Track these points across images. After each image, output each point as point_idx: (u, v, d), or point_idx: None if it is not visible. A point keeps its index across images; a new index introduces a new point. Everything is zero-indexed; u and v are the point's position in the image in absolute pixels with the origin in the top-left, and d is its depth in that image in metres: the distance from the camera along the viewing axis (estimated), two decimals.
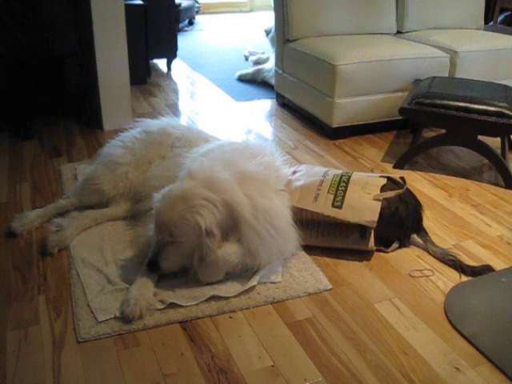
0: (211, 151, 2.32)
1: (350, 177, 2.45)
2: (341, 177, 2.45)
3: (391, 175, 2.52)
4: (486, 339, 1.91)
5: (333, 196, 2.34)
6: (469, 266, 2.30)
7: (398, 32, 4.42)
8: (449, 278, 2.24)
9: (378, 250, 2.39)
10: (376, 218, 2.24)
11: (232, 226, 2.07)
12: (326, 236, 2.34)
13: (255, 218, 2.06)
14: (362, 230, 2.28)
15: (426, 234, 2.47)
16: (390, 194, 2.37)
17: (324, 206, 2.31)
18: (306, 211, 2.32)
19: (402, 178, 2.52)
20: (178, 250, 2.08)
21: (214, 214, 2.02)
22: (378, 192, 2.35)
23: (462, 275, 2.26)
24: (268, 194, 2.17)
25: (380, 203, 2.30)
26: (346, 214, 2.28)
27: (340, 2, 4.15)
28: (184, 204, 2.02)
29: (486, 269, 2.30)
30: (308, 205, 2.33)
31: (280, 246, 2.15)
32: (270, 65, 5.00)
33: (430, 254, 2.41)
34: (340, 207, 2.30)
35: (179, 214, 2.02)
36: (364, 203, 2.30)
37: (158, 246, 2.09)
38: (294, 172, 2.56)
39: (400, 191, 2.40)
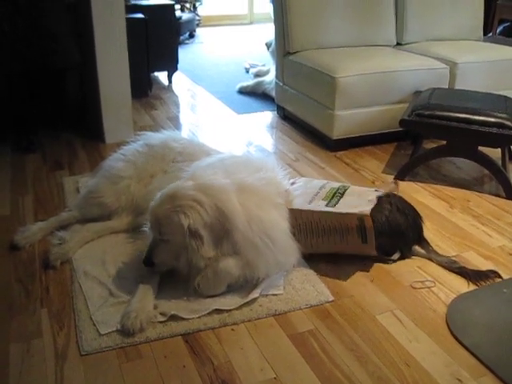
0: (213, 164, 2.33)
1: (345, 190, 2.46)
2: (337, 189, 2.47)
3: (386, 189, 2.54)
4: (489, 350, 1.91)
5: (326, 201, 2.36)
6: (474, 271, 2.33)
7: (398, 44, 4.44)
8: (450, 289, 2.24)
9: (379, 261, 2.40)
10: (369, 211, 2.23)
11: (224, 234, 2.07)
12: (326, 243, 2.34)
13: (249, 227, 2.07)
14: (361, 233, 2.27)
15: (428, 244, 2.48)
16: (383, 192, 2.40)
17: (318, 207, 2.33)
18: (301, 216, 2.32)
19: (394, 182, 2.53)
20: (167, 248, 2.11)
21: (202, 216, 2.03)
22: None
23: (467, 283, 2.28)
24: (265, 207, 2.18)
25: (374, 203, 2.31)
26: (339, 209, 2.29)
27: (340, 14, 4.18)
28: (172, 203, 2.06)
29: (493, 273, 2.32)
30: (302, 205, 2.35)
31: (277, 258, 2.16)
32: (271, 77, 5.02)
33: (435, 264, 2.41)
34: (333, 207, 2.32)
35: (165, 212, 2.06)
36: (358, 204, 2.32)
37: (153, 243, 2.14)
38: (293, 183, 2.58)
39: (393, 188, 2.42)
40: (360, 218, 2.23)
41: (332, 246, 2.34)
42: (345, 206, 2.31)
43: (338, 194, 2.42)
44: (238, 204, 2.08)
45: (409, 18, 4.40)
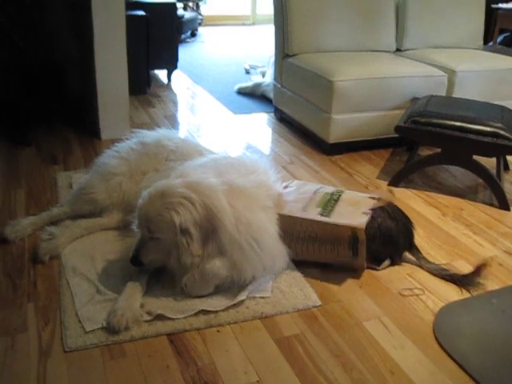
0: (205, 164, 2.33)
1: (340, 196, 2.46)
2: (331, 195, 2.46)
3: (380, 195, 2.53)
4: (474, 361, 1.90)
5: (321, 209, 2.35)
6: (463, 276, 2.34)
7: (397, 50, 4.45)
8: (439, 298, 2.24)
9: (368, 268, 2.39)
10: (363, 224, 2.23)
11: (211, 232, 2.06)
12: (318, 252, 2.33)
13: (237, 229, 2.06)
14: (353, 246, 2.27)
15: (418, 251, 2.48)
16: (378, 204, 2.39)
17: (312, 215, 2.32)
18: (294, 222, 2.30)
19: (389, 191, 2.53)
20: (157, 246, 2.10)
21: (191, 213, 2.03)
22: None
23: (455, 292, 2.28)
24: (254, 209, 2.16)
25: (368, 216, 2.30)
26: (334, 219, 2.28)
27: (340, 18, 4.19)
28: (162, 200, 2.05)
29: (479, 270, 2.33)
30: (296, 212, 2.33)
31: (264, 262, 2.15)
32: (270, 79, 5.02)
33: (425, 271, 2.41)
34: (328, 216, 2.30)
35: (156, 210, 2.05)
36: (352, 215, 2.31)
37: (140, 241, 2.12)
38: (286, 187, 2.57)
39: (388, 202, 2.42)
40: (353, 230, 2.23)
41: (322, 256, 2.33)
42: (339, 216, 2.30)
43: (332, 201, 2.41)
44: (226, 204, 2.07)
45: (409, 25, 4.41)
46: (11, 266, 2.32)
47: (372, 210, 2.35)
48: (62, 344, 1.88)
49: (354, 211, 2.33)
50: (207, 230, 2.06)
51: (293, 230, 2.31)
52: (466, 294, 2.27)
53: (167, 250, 2.10)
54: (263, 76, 5.61)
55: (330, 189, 2.56)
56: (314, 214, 2.33)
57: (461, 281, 2.32)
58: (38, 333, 1.93)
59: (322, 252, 2.32)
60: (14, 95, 3.80)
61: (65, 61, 4.03)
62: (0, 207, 2.80)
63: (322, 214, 2.31)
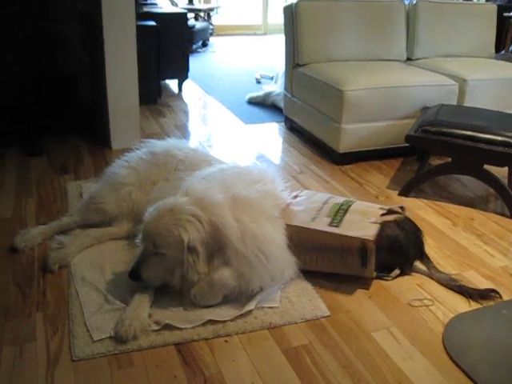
0: (212, 175, 2.33)
1: (349, 206, 2.45)
2: (340, 205, 2.45)
3: (391, 206, 2.52)
4: (484, 372, 1.88)
5: (330, 219, 2.34)
6: (474, 290, 2.31)
7: (408, 59, 4.44)
8: (449, 309, 2.22)
9: (379, 278, 2.37)
10: (373, 236, 2.22)
11: (217, 249, 2.07)
12: (327, 261, 2.32)
13: (243, 242, 2.06)
14: (362, 255, 2.26)
15: (429, 260, 2.46)
16: (389, 217, 2.38)
17: (321, 226, 2.31)
18: (303, 233, 2.30)
19: (401, 208, 2.52)
20: (160, 262, 2.09)
21: (199, 231, 2.04)
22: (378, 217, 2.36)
23: (466, 303, 2.26)
24: (260, 220, 2.16)
25: (378, 225, 2.29)
26: (343, 230, 2.27)
27: (350, 28, 4.19)
28: (171, 216, 2.06)
29: (492, 291, 2.30)
30: (305, 223, 2.33)
31: (272, 273, 2.14)
32: (280, 89, 5.03)
33: (434, 280, 2.39)
34: (337, 226, 2.30)
35: (164, 226, 2.05)
36: (362, 225, 2.31)
37: (142, 256, 2.12)
38: (296, 196, 2.57)
39: (399, 216, 2.41)
40: (363, 241, 2.22)
41: (330, 265, 2.32)
42: (349, 226, 2.29)
43: (341, 211, 2.40)
44: (232, 219, 2.08)
45: (420, 34, 4.40)
46: (21, 275, 2.33)
47: (382, 221, 2.34)
48: (69, 353, 1.88)
49: (363, 221, 2.33)
50: (213, 248, 2.07)
51: (302, 240, 2.30)
52: (476, 305, 2.25)
53: (171, 266, 2.10)
54: (271, 79, 5.61)
55: (339, 199, 2.56)
56: (323, 224, 2.32)
57: (470, 293, 2.30)
58: (46, 342, 1.94)
59: (331, 262, 2.31)
60: (25, 105, 3.83)
61: (75, 70, 4.06)
62: (10, 216, 2.82)
63: (331, 225, 2.31)
